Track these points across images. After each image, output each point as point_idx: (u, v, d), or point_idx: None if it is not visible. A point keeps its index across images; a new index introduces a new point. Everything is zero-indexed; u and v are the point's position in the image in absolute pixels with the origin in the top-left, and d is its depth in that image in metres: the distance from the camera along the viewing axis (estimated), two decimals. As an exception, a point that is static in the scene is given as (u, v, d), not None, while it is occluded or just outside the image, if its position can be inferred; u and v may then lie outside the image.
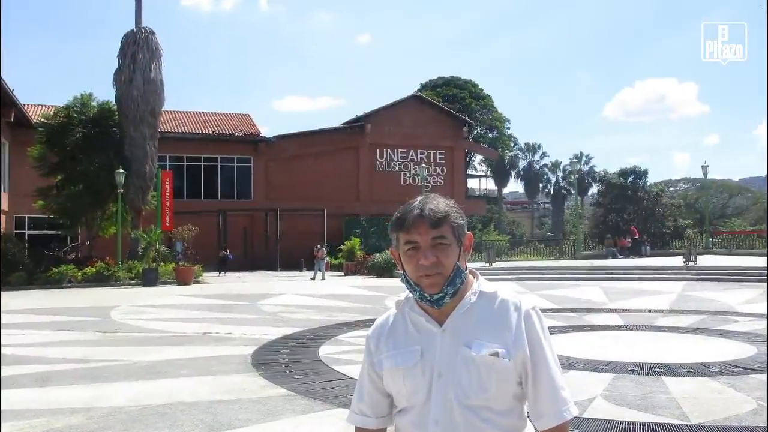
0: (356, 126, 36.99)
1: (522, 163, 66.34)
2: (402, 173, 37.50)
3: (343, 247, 28.92)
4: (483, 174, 61.36)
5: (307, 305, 13.95)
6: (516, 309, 1.45)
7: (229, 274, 27.20)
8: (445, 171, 38.45)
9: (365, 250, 29.00)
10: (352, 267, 26.90)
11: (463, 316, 1.45)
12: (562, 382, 1.45)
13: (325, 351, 7.97)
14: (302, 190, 34.62)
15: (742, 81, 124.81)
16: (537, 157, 67.37)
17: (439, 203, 1.45)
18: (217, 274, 26.66)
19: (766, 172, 37.89)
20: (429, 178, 36.05)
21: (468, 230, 1.49)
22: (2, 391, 5.63)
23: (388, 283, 19.29)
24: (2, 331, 9.11)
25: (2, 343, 8.24)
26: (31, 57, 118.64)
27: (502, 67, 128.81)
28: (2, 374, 6.38)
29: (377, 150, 37.03)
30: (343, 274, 26.57)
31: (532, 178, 65.62)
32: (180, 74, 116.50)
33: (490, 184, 63.53)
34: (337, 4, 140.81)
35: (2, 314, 10.91)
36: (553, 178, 68.04)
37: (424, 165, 33.32)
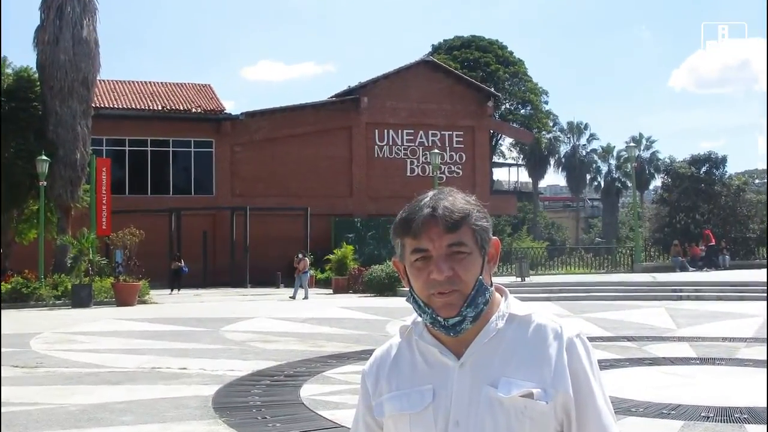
0: (349, 100, 37.03)
1: (564, 148, 66.50)
2: (408, 161, 37.55)
3: (331, 256, 28.94)
4: (513, 162, 61.40)
5: (285, 332, 13.92)
6: (556, 337, 1.45)
7: (184, 291, 27.19)
8: (464, 158, 38.50)
9: (361, 260, 29.03)
10: (344, 283, 26.91)
11: (488, 346, 1.45)
12: (615, 431, 1.45)
13: (308, 391, 7.96)
14: (279, 183, 34.67)
15: None
16: (583, 141, 67.53)
17: (457, 200, 1.46)
18: (168, 291, 26.67)
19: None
20: (443, 167, 36.10)
21: (494, 235, 1.50)
22: None
23: (390, 304, 19.28)
24: None
25: None
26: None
27: (538, 23, 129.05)
28: None
29: (376, 131, 37.08)
30: (331, 291, 26.57)
31: (576, 167, 65.73)
32: (120, 33, 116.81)
33: (523, 176, 63.62)
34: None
35: None
36: (603, 168, 68.18)
37: (437, 150, 33.33)
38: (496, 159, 53.85)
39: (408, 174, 37.00)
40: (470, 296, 1.42)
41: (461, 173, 37.85)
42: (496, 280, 1.52)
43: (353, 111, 36.61)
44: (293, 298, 23.29)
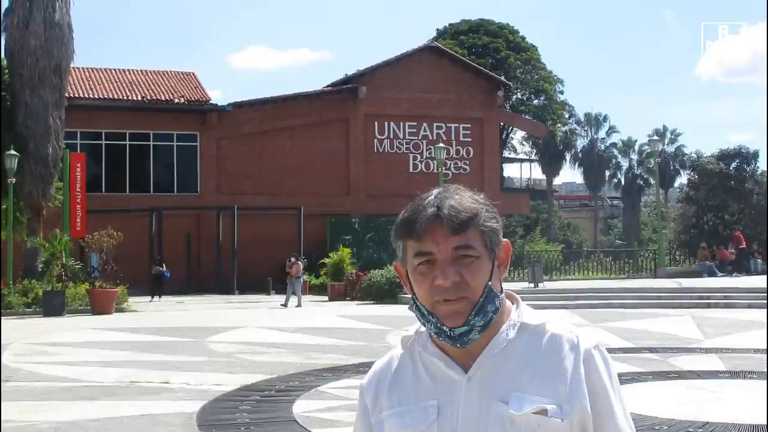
0: (346, 90, 37.02)
1: (581, 142, 66.53)
2: (411, 156, 37.55)
3: (327, 260, 28.96)
4: (525, 157, 61.54)
5: (276, 343, 13.92)
6: (572, 348, 1.45)
7: (165, 298, 27.17)
8: (471, 153, 38.51)
9: (359, 265, 29.02)
10: (340, 289, 26.90)
11: (498, 358, 1.45)
12: (637, 452, 1.45)
13: (301, 407, 7.97)
14: (269, 180, 34.68)
15: None
16: (602, 134, 67.57)
17: (464, 199, 1.45)
18: (148, 298, 26.67)
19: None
20: (449, 162, 36.10)
21: (504, 237, 1.50)
22: None
23: (390, 312, 19.28)
24: None
25: None
26: None
27: (552, 5, 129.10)
28: None
29: (376, 123, 37.09)
30: (327, 298, 26.57)
31: (594, 162, 65.77)
32: (96, 17, 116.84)
33: (536, 172, 63.76)
34: None
35: None
36: (624, 164, 68.23)
37: (441, 144, 33.33)
38: (506, 154, 53.92)
39: (410, 170, 36.99)
40: (478, 304, 1.42)
41: (468, 169, 37.86)
42: (506, 286, 1.51)
43: (351, 102, 36.61)
44: (285, 305, 23.27)
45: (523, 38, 53.22)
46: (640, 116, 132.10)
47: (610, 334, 13.91)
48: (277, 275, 29.54)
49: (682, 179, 60.28)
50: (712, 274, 30.08)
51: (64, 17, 26.07)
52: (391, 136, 37.43)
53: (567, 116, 60.36)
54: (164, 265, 29.17)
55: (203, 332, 15.43)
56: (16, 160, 23.80)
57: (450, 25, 53.57)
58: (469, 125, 38.49)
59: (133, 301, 23.64)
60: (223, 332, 15.48)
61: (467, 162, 38.38)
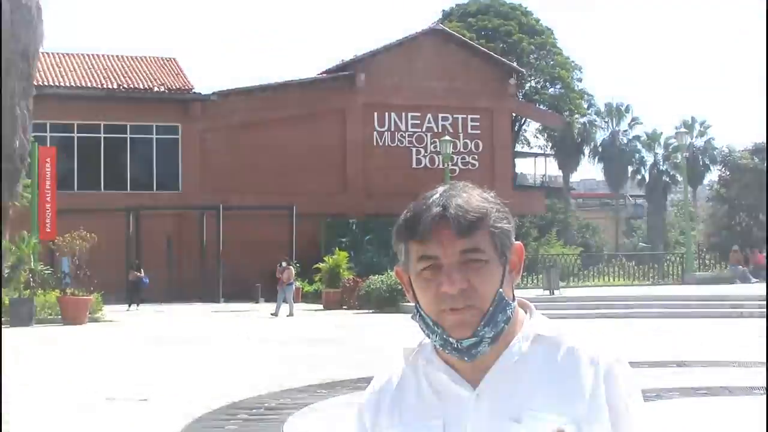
0: (343, 77, 37.05)
1: (601, 135, 66.45)
2: (414, 150, 37.57)
3: (322, 265, 28.97)
4: (540, 152, 61.45)
5: (265, 355, 13.93)
6: (591, 362, 1.45)
7: (144, 307, 27.19)
8: (481, 146, 38.53)
9: (357, 270, 29.03)
10: (336, 296, 26.92)
11: (509, 373, 1.45)
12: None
13: (294, 427, 7.96)
14: (258, 176, 34.67)
15: None
16: (624, 126, 67.47)
17: (472, 197, 1.45)
18: (125, 307, 26.68)
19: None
20: (456, 157, 36.12)
21: (517, 239, 1.49)
22: None
23: (391, 321, 19.30)
24: None
25: None
26: None
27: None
28: None
29: (375, 114, 37.11)
30: (321, 307, 26.58)
31: (616, 157, 65.74)
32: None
33: (552, 168, 63.64)
34: None
35: None
36: (649, 158, 68.14)
37: (448, 137, 33.38)
38: (519, 148, 53.90)
39: (413, 166, 37.03)
40: (488, 313, 1.41)
41: (477, 165, 37.88)
42: (519, 293, 1.51)
43: (348, 90, 36.62)
44: (275, 314, 23.28)
45: (537, 20, 53.26)
46: (666, 106, 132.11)
47: (632, 347, 13.90)
48: (266, 281, 29.56)
49: (713, 176, 60.32)
50: (745, 280, 30.08)
51: (32, -2, 26.08)
52: (392, 129, 37.43)
53: (585, 106, 60.37)
54: (143, 271, 29.19)
55: (185, 344, 15.43)
56: (-20, 155, 23.79)
57: (457, 5, 53.63)
58: (478, 116, 38.51)
59: (109, 309, 23.64)
60: (206, 344, 15.48)
61: (476, 156, 38.40)
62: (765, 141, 43.85)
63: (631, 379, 1.47)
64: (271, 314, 23.37)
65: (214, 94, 35.42)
